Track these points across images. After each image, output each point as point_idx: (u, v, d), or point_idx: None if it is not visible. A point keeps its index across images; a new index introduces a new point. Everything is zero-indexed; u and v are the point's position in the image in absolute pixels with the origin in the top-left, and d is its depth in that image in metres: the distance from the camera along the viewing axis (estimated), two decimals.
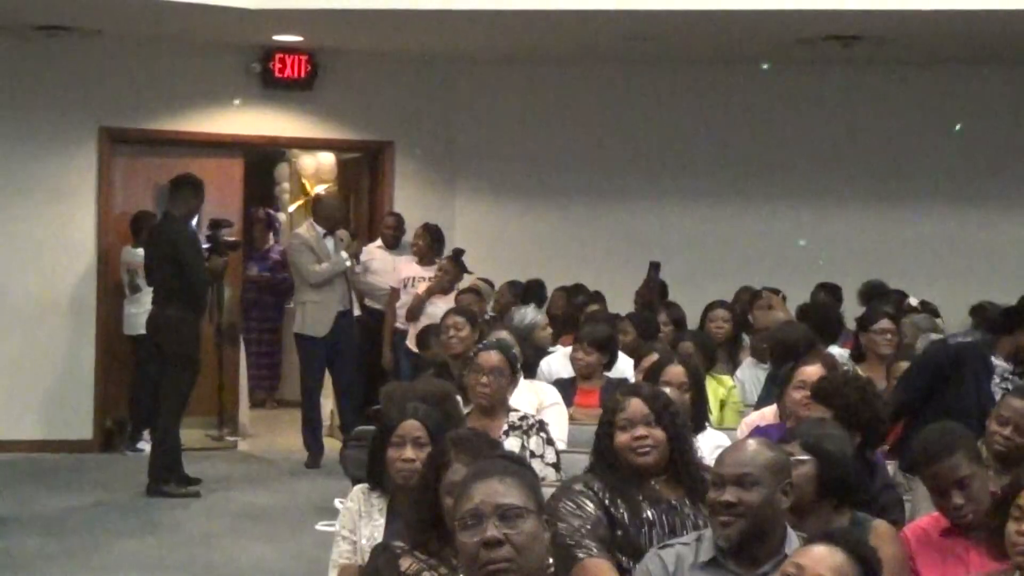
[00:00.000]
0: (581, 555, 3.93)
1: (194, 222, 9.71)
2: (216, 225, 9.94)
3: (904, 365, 6.56)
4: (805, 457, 4.05)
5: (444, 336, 7.33)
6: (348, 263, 10.20)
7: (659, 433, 4.20)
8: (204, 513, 8.72)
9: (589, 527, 4.02)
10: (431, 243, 10.50)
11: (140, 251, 10.03)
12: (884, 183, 11.51)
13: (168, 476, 9.07)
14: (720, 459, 3.76)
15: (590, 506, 4.09)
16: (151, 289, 9.66)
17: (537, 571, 2.93)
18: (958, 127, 11.23)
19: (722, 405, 7.29)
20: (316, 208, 10.60)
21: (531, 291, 10.28)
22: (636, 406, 4.24)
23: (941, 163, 11.50)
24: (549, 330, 9.31)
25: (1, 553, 7.57)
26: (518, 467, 3.13)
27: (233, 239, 10.16)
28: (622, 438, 4.21)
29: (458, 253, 10.32)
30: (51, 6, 9.60)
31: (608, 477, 4.21)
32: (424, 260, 10.40)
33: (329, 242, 10.18)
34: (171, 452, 9.15)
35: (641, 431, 4.19)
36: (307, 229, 10.33)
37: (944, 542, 4.19)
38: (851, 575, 3.05)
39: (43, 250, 10.59)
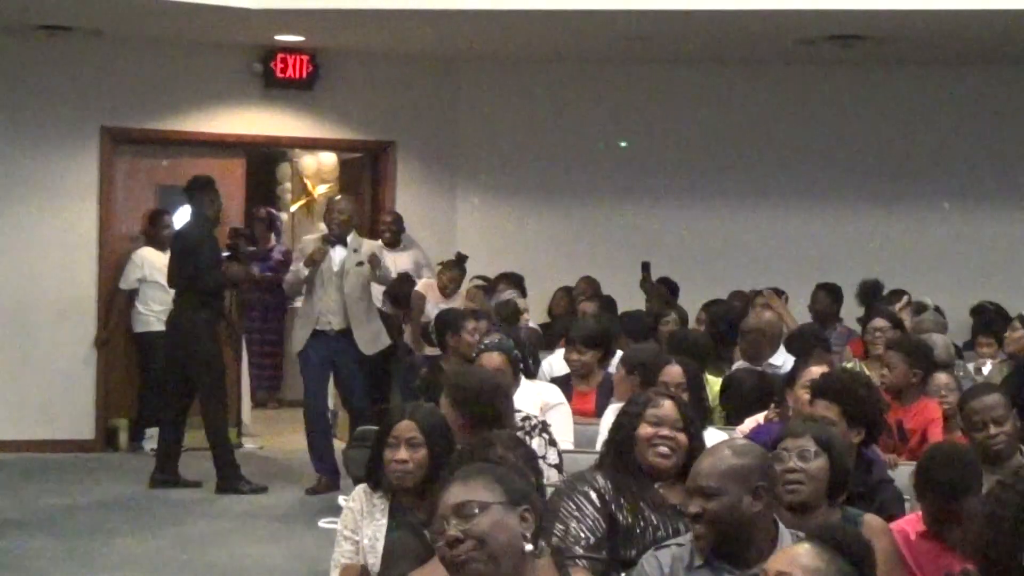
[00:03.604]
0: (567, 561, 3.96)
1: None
2: (237, 234, 10.08)
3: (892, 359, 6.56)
4: (818, 450, 4.12)
5: (468, 337, 7.37)
6: (336, 269, 9.19)
7: (683, 438, 4.29)
8: (205, 513, 8.73)
9: (585, 531, 4.09)
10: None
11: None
12: (884, 183, 11.49)
13: (237, 474, 9.20)
14: (692, 469, 3.79)
15: (589, 508, 4.14)
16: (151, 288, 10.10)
17: (509, 555, 3.07)
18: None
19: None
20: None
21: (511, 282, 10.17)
22: (670, 408, 4.34)
23: (941, 163, 11.49)
24: (526, 315, 9.36)
25: (1, 553, 7.57)
26: (489, 465, 3.41)
27: (252, 248, 10.27)
28: (647, 430, 4.28)
29: (461, 259, 10.31)
30: (52, 6, 9.61)
31: (615, 473, 4.24)
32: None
33: (340, 250, 9.21)
34: (229, 450, 9.32)
35: (667, 431, 4.28)
36: (314, 235, 10.07)
37: (922, 544, 4.21)
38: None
39: (44, 250, 10.58)
